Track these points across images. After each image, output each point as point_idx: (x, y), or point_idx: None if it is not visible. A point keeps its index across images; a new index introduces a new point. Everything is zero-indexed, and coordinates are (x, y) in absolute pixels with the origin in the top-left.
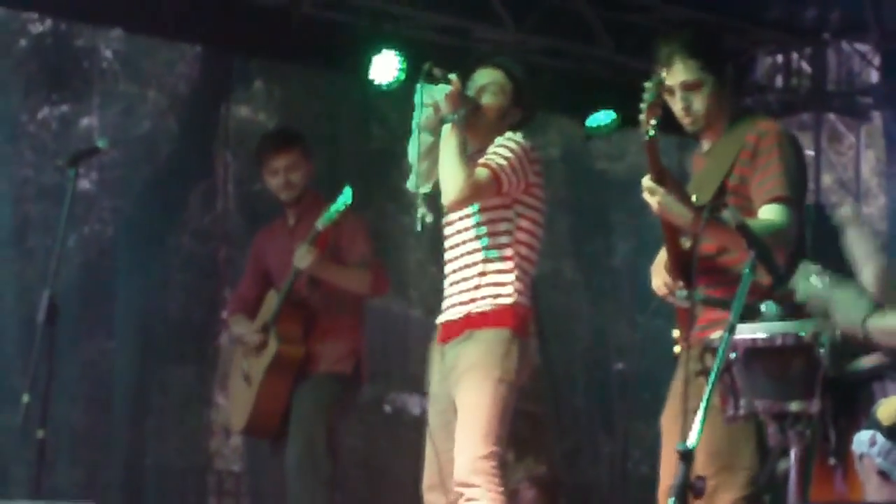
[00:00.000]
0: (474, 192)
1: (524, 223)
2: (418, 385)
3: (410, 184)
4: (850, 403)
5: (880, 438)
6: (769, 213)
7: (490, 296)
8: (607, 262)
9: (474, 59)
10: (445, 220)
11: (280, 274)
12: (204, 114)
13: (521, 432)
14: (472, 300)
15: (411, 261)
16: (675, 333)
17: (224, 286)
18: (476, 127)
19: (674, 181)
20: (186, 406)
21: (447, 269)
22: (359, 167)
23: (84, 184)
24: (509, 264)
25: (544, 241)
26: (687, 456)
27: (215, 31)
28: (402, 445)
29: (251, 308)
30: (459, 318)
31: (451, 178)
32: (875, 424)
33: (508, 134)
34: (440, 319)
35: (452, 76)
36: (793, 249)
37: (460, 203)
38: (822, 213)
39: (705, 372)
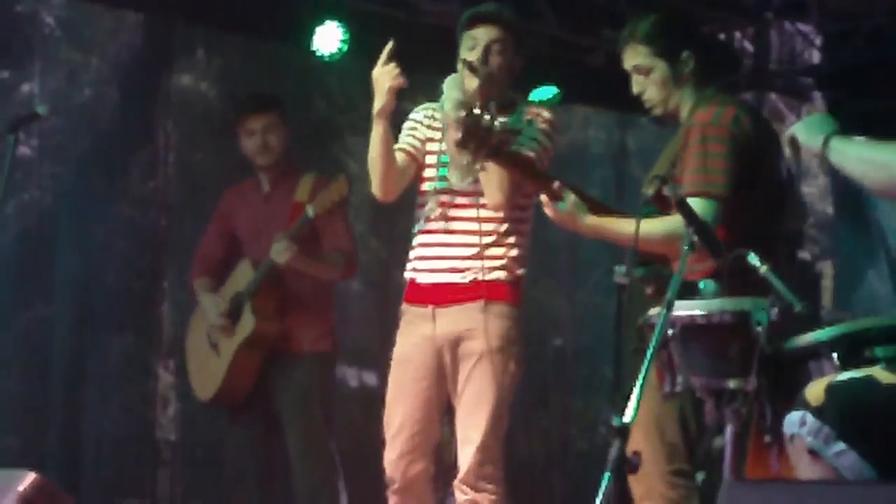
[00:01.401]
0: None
1: (526, 201)
2: (356, 358)
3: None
4: (787, 382)
5: (810, 418)
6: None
7: (503, 267)
8: (544, 237)
9: (470, 15)
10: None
11: (250, 239)
12: (146, 82)
13: None
14: (484, 266)
15: None
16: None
17: (164, 255)
18: (492, 88)
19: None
20: (125, 375)
21: (433, 226)
22: (300, 137)
23: (24, 150)
24: (520, 239)
25: None
26: (622, 431)
27: None
28: (341, 418)
29: (216, 269)
30: (468, 283)
31: (499, 189)
32: (804, 405)
33: (545, 114)
34: (429, 279)
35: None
36: (756, 233)
37: (505, 205)
38: None
39: (643, 348)
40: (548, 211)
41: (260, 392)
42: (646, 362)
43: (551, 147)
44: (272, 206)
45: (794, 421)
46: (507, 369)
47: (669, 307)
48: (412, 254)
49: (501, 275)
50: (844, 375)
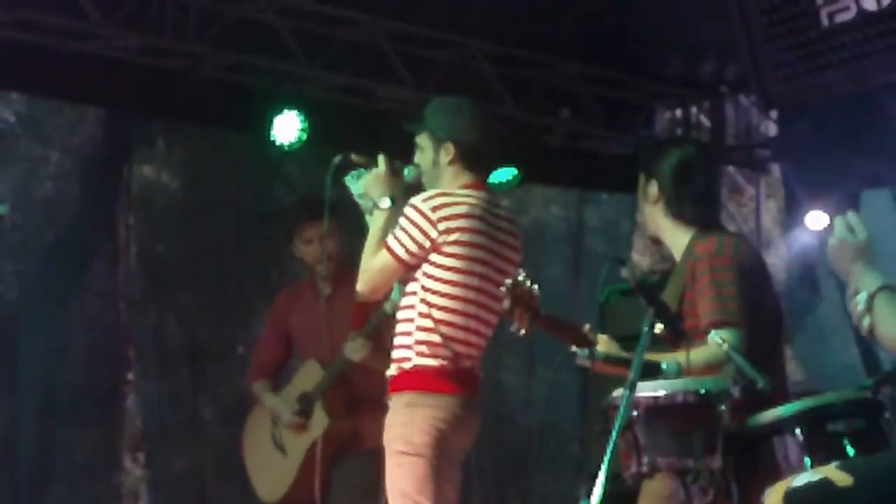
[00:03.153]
0: (376, 279)
1: (433, 284)
2: None
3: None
4: (751, 458)
5: None
6: (710, 340)
7: (395, 361)
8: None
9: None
10: None
11: (311, 341)
12: (107, 175)
13: None
14: (391, 362)
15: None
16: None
17: (129, 347)
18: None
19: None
20: (92, 470)
21: None
22: (263, 227)
23: None
24: (410, 326)
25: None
26: None
27: (117, 92)
28: None
29: (272, 373)
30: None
31: (360, 269)
32: None
33: (412, 199)
34: None
35: (379, 157)
36: (763, 353)
37: (368, 294)
38: None
39: (608, 430)
40: (579, 362)
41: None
42: (610, 444)
43: (402, 231)
44: (334, 307)
45: None
46: (392, 463)
47: (632, 388)
48: None
49: (394, 370)
50: (801, 479)
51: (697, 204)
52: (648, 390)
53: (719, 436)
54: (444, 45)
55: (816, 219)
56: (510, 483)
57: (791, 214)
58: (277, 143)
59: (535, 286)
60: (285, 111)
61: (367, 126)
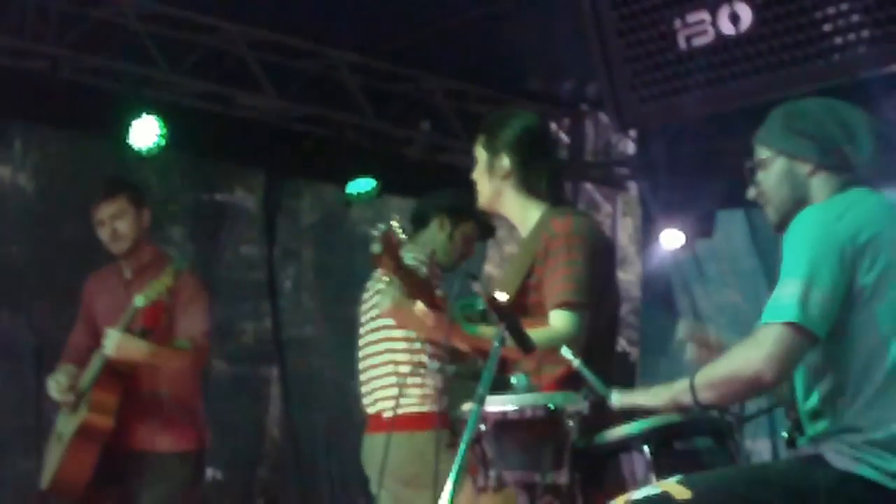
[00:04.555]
0: None
1: None
2: None
3: None
4: (598, 474)
5: None
6: (554, 320)
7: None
8: None
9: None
10: None
11: (109, 326)
12: None
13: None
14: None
15: None
16: None
17: None
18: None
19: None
20: None
21: None
22: None
23: None
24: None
25: (301, 306)
26: None
27: None
28: None
29: (84, 356)
30: None
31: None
32: None
33: None
34: None
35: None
36: (589, 346)
37: None
38: None
39: (456, 444)
40: (429, 320)
41: (110, 493)
42: (458, 458)
43: None
44: (132, 292)
45: None
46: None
47: (481, 402)
48: None
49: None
50: (641, 493)
51: (552, 177)
52: (497, 404)
53: (567, 451)
54: (307, 55)
55: (671, 237)
56: (359, 491)
57: (647, 232)
58: (136, 148)
59: (404, 235)
60: (144, 116)
61: (225, 132)
